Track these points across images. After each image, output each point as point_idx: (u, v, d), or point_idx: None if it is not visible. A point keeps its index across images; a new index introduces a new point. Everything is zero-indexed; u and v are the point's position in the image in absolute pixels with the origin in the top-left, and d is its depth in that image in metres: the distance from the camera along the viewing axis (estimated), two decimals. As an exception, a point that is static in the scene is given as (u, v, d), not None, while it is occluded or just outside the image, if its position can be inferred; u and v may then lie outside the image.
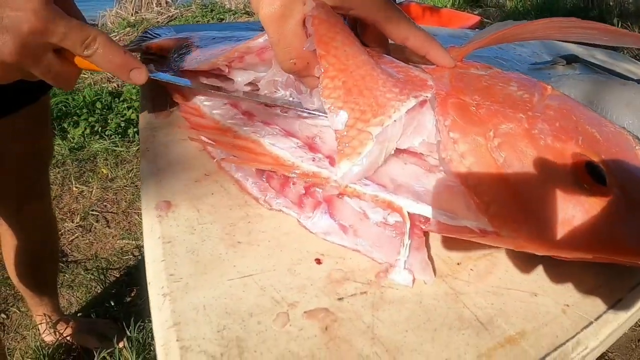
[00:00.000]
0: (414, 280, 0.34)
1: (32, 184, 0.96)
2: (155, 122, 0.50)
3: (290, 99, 0.45)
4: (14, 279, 1.10)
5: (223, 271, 0.33)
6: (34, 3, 0.35)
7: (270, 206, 0.39)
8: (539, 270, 0.37)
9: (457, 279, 0.35)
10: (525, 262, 0.37)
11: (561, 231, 0.33)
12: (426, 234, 0.38)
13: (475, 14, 4.09)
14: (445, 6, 4.17)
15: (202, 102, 0.45)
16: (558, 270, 0.37)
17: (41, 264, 1.10)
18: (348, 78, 0.37)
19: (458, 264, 0.36)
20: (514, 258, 0.37)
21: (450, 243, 0.38)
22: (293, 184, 0.39)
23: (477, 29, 2.71)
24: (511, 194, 0.34)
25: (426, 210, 0.35)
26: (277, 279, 0.33)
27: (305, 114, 0.43)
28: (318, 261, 0.35)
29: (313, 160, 0.38)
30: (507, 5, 4.76)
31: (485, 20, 3.96)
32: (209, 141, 0.42)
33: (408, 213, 0.35)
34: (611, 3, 4.06)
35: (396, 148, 0.40)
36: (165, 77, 0.47)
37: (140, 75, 0.41)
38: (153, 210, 0.38)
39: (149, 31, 0.76)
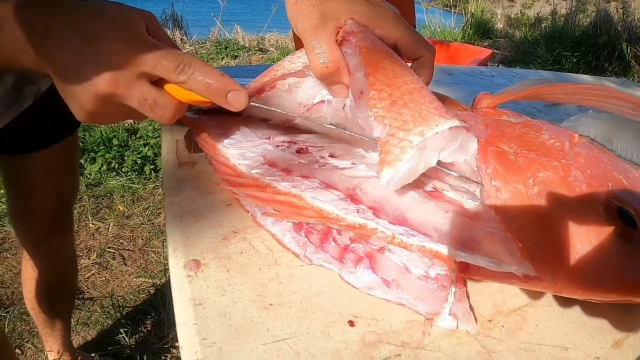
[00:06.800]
0: (457, 325, 0.35)
1: (56, 219, 0.99)
2: (180, 173, 0.50)
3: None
4: (29, 306, 1.11)
5: (256, 335, 0.33)
6: (127, 35, 0.37)
7: (310, 261, 0.39)
8: (569, 323, 0.37)
9: (489, 336, 0.36)
10: (555, 315, 0.38)
11: (597, 274, 0.34)
12: (465, 284, 0.39)
13: (485, 46, 4.14)
14: (456, 39, 4.24)
15: (238, 161, 0.46)
16: (587, 321, 0.38)
17: (57, 297, 1.12)
18: (394, 91, 0.39)
19: (489, 320, 0.37)
20: (543, 312, 0.38)
21: (481, 299, 0.38)
22: (333, 239, 0.39)
23: (488, 63, 2.73)
24: (551, 239, 0.35)
25: (472, 258, 0.36)
26: (311, 342, 0.33)
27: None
28: (351, 323, 0.35)
29: (357, 212, 0.38)
30: (516, 35, 4.82)
31: (496, 51, 4.00)
32: (249, 198, 0.42)
33: (455, 261, 0.36)
34: (619, 28, 4.08)
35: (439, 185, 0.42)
36: (264, 106, 0.45)
37: (238, 98, 0.39)
38: (182, 270, 0.38)
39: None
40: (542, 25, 4.90)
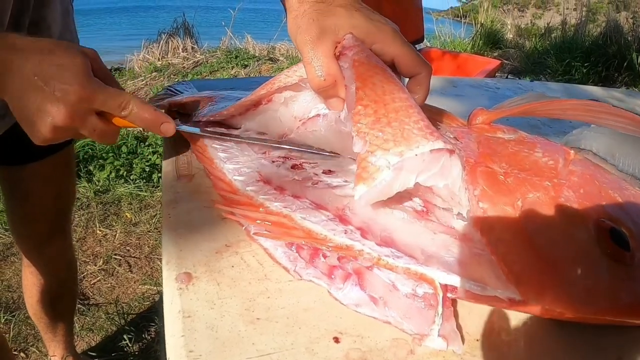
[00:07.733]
0: (447, 345, 0.35)
1: (56, 222, 1.01)
2: (178, 185, 0.51)
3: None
4: (31, 312, 1.13)
5: (242, 349, 0.33)
6: (79, 77, 0.44)
7: (300, 277, 0.40)
8: (560, 342, 0.37)
9: (476, 356, 0.35)
10: (543, 335, 0.37)
11: (585, 297, 0.34)
12: (454, 303, 0.38)
13: (495, 56, 4.13)
14: (466, 49, 4.23)
15: (234, 177, 0.47)
16: (577, 342, 0.37)
17: (59, 301, 1.13)
18: (380, 108, 0.40)
19: (477, 340, 0.37)
20: (532, 332, 0.37)
21: (470, 317, 0.38)
22: (323, 255, 0.40)
23: (497, 74, 2.73)
24: (539, 262, 0.35)
25: (457, 281, 0.36)
26: (294, 358, 0.33)
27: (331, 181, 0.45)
28: (336, 340, 0.35)
29: (345, 233, 0.39)
30: (526, 45, 4.80)
31: (505, 61, 3.99)
32: (242, 217, 0.43)
33: (440, 284, 0.36)
34: (629, 38, 4.06)
35: (423, 200, 0.42)
36: (188, 129, 0.55)
37: (169, 128, 0.49)
38: (174, 282, 0.39)
39: (169, 88, 0.79)
40: (552, 35, 4.88)
